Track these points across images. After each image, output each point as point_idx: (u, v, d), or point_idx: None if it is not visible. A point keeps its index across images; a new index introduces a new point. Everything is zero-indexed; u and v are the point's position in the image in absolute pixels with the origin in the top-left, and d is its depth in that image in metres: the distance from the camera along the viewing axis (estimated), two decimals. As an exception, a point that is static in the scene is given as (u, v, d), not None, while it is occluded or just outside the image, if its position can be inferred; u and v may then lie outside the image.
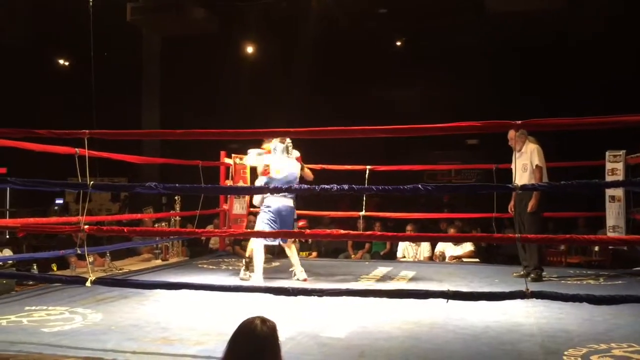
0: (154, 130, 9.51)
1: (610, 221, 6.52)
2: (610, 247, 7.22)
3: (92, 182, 4.09)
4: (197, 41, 10.32)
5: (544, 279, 5.74)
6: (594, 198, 6.97)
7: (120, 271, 6.26)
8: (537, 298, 3.50)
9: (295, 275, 5.78)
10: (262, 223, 5.60)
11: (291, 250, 5.84)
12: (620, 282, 5.70)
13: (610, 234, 6.33)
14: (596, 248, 7.55)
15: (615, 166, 6.42)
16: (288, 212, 5.58)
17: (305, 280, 5.68)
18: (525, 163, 5.77)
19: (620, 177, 6.31)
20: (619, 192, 6.40)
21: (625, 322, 4.07)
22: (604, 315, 4.19)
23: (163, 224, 7.28)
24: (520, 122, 3.51)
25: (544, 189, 3.62)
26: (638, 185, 6.03)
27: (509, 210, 6.06)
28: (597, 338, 3.70)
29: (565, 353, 3.41)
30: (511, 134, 5.81)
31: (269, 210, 5.57)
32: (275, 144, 5.60)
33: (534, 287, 3.56)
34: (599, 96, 9.51)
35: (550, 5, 8.28)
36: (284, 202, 5.53)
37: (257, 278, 5.46)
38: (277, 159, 5.58)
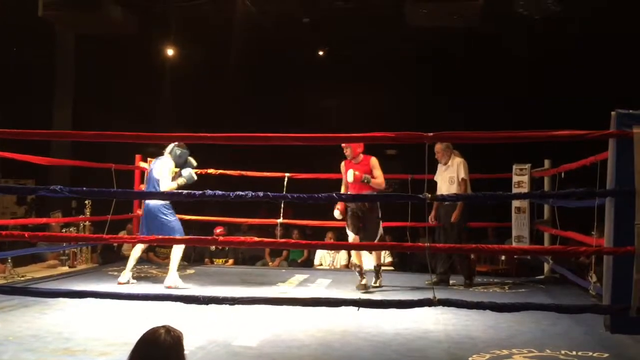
0: (62, 130, 9.08)
1: (515, 231, 6.85)
2: (515, 256, 7.57)
3: (-10, 184, 3.86)
4: (115, 40, 9.99)
5: (452, 286, 5.97)
6: (502, 209, 7.28)
7: (22, 278, 5.93)
8: (443, 306, 3.63)
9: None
10: None
11: (134, 252, 5.93)
12: (523, 290, 5.97)
13: (515, 244, 6.65)
14: (503, 257, 7.88)
15: (521, 179, 6.75)
16: (146, 212, 5.73)
17: (121, 283, 5.74)
18: (452, 176, 6.05)
19: (525, 189, 6.64)
20: (524, 203, 6.72)
21: (526, 329, 4.27)
22: (508, 322, 4.38)
23: (72, 229, 6.96)
24: (431, 134, 3.61)
25: (452, 200, 3.75)
26: (541, 198, 6.40)
27: (430, 220, 6.25)
28: (499, 344, 3.86)
29: (470, 359, 3.54)
30: (437, 147, 6.09)
31: None
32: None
33: (442, 295, 3.67)
34: (512, 111, 9.94)
35: (464, 22, 8.61)
36: (146, 202, 5.77)
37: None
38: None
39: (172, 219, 5.72)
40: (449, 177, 6.06)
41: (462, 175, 6.00)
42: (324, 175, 7.72)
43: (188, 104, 11.41)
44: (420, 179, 6.48)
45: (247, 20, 9.82)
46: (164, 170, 5.73)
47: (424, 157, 3.56)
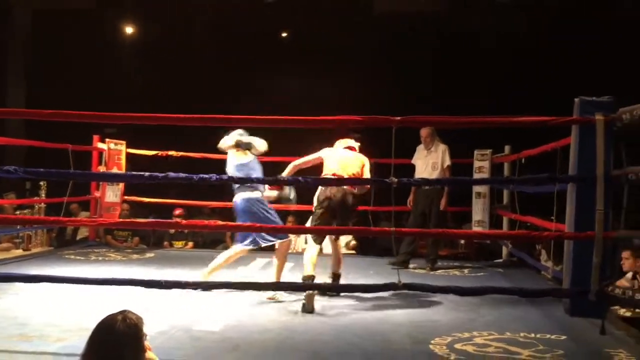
0: (16, 109, 8.75)
1: (476, 216, 6.94)
2: (475, 240, 7.68)
3: (-62, 164, 3.68)
4: (73, 16, 9.68)
5: (412, 269, 6.11)
6: (460, 193, 7.36)
7: (-27, 262, 5.73)
8: (408, 290, 3.64)
9: None
10: None
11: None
12: (482, 273, 6.06)
13: (476, 228, 6.75)
14: (462, 241, 7.98)
15: (482, 164, 6.85)
16: (237, 207, 4.77)
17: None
18: (436, 162, 6.12)
19: (486, 174, 6.74)
20: (484, 189, 6.82)
21: (486, 312, 4.33)
22: (468, 305, 4.43)
23: (26, 211, 6.74)
24: (399, 118, 3.60)
25: (417, 184, 3.74)
26: (504, 183, 6.49)
27: (408, 204, 6.35)
28: (461, 327, 3.91)
29: (432, 342, 3.57)
30: (424, 132, 6.14)
31: None
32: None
33: (406, 278, 3.68)
34: (478, 97, 10.01)
35: (433, 7, 8.65)
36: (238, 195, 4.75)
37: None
38: None
39: (267, 214, 4.73)
40: (432, 162, 6.15)
41: (448, 162, 6.10)
42: (290, 159, 7.66)
43: (147, 83, 11.13)
44: (386, 163, 6.56)
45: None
46: None
47: (392, 141, 3.53)
